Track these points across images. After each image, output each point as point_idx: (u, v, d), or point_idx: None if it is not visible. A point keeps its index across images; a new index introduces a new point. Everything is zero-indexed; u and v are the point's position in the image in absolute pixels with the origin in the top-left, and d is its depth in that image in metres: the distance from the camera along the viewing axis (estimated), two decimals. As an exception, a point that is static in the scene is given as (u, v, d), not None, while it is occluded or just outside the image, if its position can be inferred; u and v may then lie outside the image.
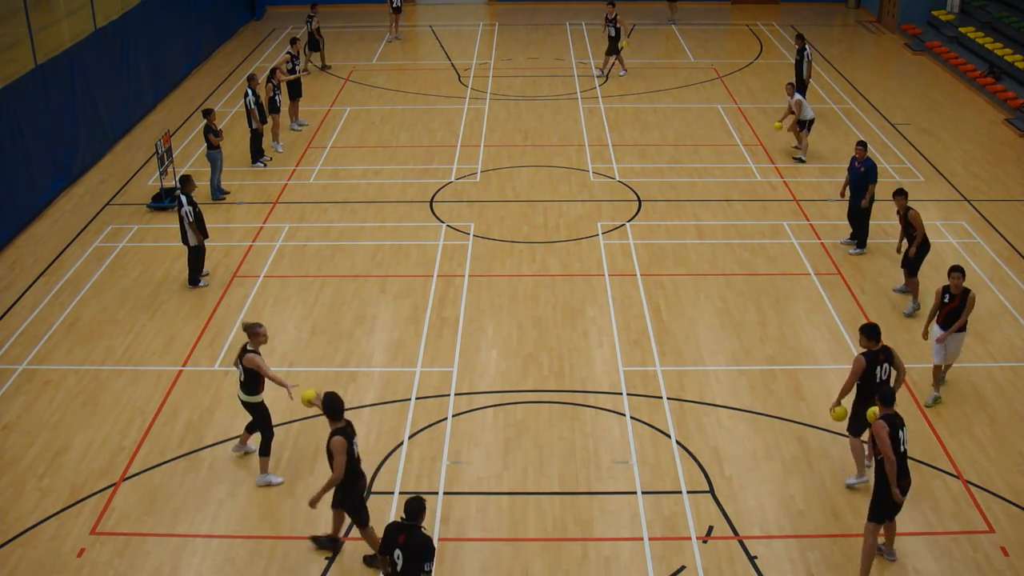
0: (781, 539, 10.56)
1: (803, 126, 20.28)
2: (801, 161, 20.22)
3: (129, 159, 21.01)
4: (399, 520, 8.61)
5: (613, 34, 25.16)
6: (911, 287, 14.71)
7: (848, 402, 11.10)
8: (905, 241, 14.72)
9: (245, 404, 11.40)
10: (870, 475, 10.97)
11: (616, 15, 25.13)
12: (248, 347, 11.22)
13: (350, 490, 9.84)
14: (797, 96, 20.20)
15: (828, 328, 14.41)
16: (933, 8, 29.96)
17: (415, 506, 8.54)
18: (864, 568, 9.83)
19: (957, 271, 12.39)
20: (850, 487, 11.25)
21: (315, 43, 26.78)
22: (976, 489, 11.26)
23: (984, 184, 19.39)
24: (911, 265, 14.62)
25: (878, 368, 10.77)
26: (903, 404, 12.52)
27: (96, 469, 11.67)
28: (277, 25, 31.81)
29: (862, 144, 16.24)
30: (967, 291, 12.38)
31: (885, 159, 20.46)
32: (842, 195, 16.72)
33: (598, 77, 25.82)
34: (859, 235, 16.52)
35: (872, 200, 16.18)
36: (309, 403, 10.38)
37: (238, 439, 11.99)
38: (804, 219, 17.75)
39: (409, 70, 27.18)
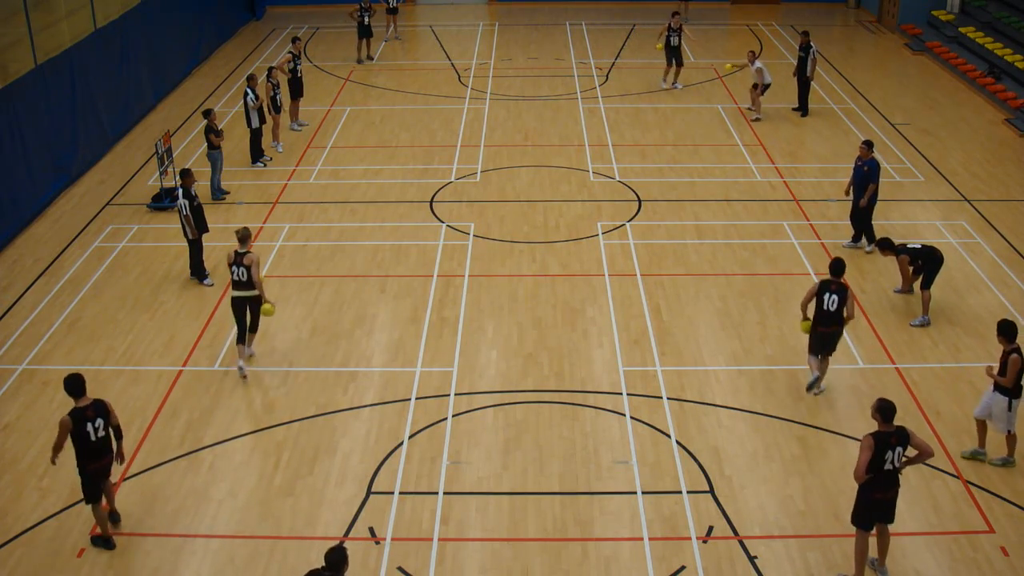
0: (781, 539, 10.56)
1: (762, 91, 22.38)
2: (758, 120, 22.50)
3: (129, 159, 21.02)
4: (321, 570, 8.39)
5: (676, 43, 24.27)
6: (923, 299, 14.43)
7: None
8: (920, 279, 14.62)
9: (248, 300, 13.31)
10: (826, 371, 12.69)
11: (681, 25, 24.41)
12: (239, 251, 13.17)
13: (80, 466, 10.21)
14: (758, 64, 22.11)
15: (828, 328, 14.41)
16: (933, 8, 29.96)
17: (336, 557, 8.33)
18: (857, 569, 9.88)
19: (1002, 334, 11.28)
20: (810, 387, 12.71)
21: (369, 31, 27.33)
22: (976, 489, 11.26)
23: (984, 184, 19.38)
24: (925, 279, 14.43)
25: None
26: (904, 403, 12.55)
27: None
28: (277, 25, 31.82)
29: (866, 143, 16.21)
30: (1008, 352, 11.18)
31: (885, 159, 20.44)
32: (846, 193, 16.71)
33: (674, 88, 24.98)
34: (865, 233, 16.54)
35: (873, 199, 16.17)
36: (267, 314, 13.41)
37: (241, 361, 13.39)
38: (804, 219, 17.75)
39: (409, 70, 27.19)
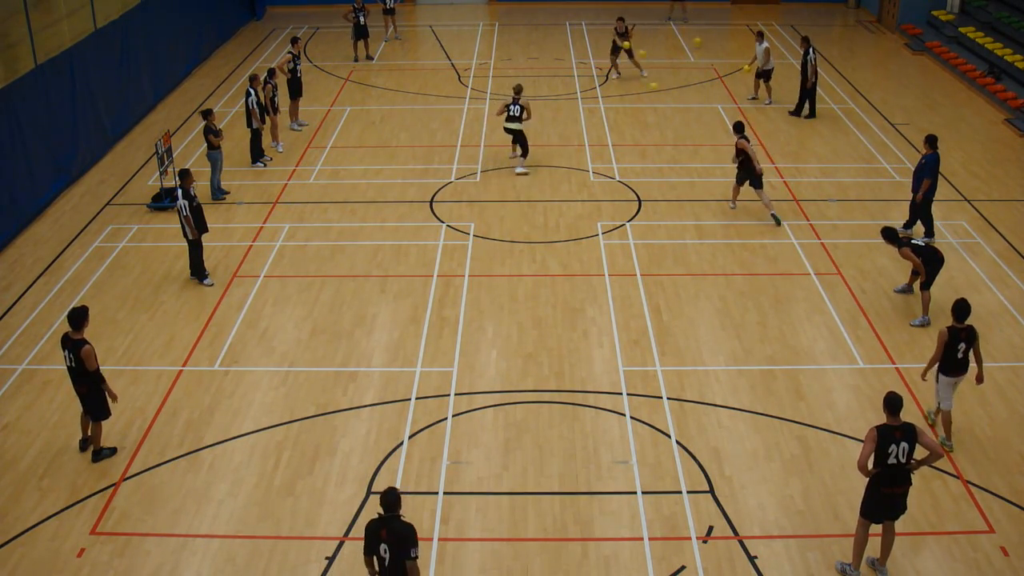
0: (781, 539, 10.56)
1: (767, 76, 23.35)
2: (769, 104, 23.62)
3: (129, 159, 21.02)
4: (377, 515, 8.57)
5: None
6: (923, 299, 14.42)
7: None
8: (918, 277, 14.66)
9: (515, 131, 19.57)
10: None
11: (627, 28, 25.15)
12: (516, 96, 19.28)
13: None
14: (764, 44, 23.06)
15: (828, 328, 14.41)
16: (933, 8, 29.96)
17: (392, 498, 8.52)
18: (854, 558, 9.95)
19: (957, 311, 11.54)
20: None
21: (364, 32, 27.36)
22: (976, 489, 11.26)
23: (984, 184, 19.38)
24: (925, 279, 14.37)
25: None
26: (904, 403, 12.53)
27: (96, 469, 11.67)
28: (277, 25, 31.82)
29: (926, 139, 16.60)
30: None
31: (885, 159, 20.47)
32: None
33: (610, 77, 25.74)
34: (924, 225, 16.89)
35: (929, 193, 16.47)
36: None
37: (514, 159, 19.96)
38: (804, 219, 17.75)
39: (409, 70, 27.19)
